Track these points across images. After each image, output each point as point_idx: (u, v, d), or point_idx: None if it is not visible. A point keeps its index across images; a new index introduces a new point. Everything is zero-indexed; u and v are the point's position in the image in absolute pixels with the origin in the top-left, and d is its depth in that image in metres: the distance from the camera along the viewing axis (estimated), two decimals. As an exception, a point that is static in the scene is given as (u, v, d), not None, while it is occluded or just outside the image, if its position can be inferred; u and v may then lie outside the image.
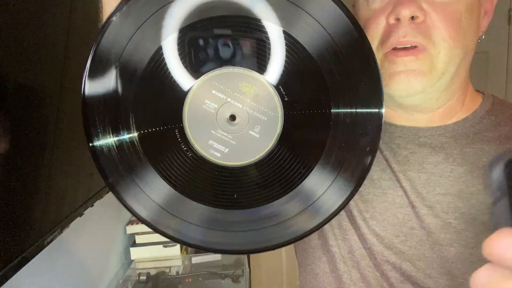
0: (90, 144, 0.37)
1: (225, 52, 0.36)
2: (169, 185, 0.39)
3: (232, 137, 0.38)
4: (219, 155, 0.38)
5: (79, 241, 0.99)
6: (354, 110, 0.37)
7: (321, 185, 0.39)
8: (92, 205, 0.86)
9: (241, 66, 0.36)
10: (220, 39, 0.36)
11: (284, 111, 0.37)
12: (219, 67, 0.36)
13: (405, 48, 0.47)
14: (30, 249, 0.60)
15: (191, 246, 0.40)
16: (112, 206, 1.18)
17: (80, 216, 0.80)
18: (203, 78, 0.36)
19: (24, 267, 0.58)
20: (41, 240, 0.63)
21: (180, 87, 0.37)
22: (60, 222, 0.70)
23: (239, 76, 0.36)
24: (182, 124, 0.37)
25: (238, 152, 0.38)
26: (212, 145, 0.38)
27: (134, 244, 1.33)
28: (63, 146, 0.72)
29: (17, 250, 0.57)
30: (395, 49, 0.48)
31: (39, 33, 0.61)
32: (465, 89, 0.56)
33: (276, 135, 0.37)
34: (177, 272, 1.26)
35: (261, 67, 0.36)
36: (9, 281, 0.54)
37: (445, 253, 0.51)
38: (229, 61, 0.36)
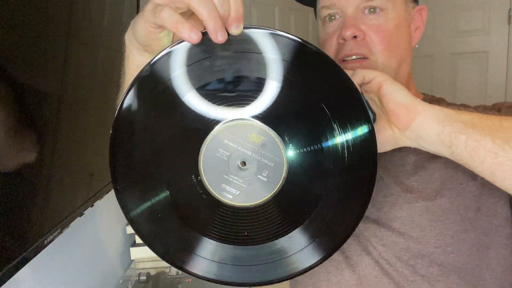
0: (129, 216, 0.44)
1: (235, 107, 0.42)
2: (188, 226, 0.44)
3: (242, 181, 0.42)
4: (231, 197, 0.43)
5: (79, 241, 0.99)
6: (349, 147, 0.42)
7: (325, 219, 0.44)
8: (92, 205, 0.86)
9: (250, 118, 0.41)
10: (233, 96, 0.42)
11: (288, 157, 0.42)
12: (231, 119, 0.42)
13: (352, 60, 0.61)
14: (30, 249, 0.60)
15: (202, 279, 0.45)
16: (112, 206, 1.18)
17: (80, 216, 0.80)
18: (217, 128, 0.42)
19: (24, 267, 0.58)
20: (41, 240, 0.63)
21: (197, 138, 0.42)
22: (60, 222, 0.70)
23: (248, 127, 0.41)
24: (198, 170, 0.42)
25: (248, 194, 0.43)
26: (224, 188, 0.42)
27: (134, 244, 1.33)
28: (63, 146, 0.72)
29: (17, 250, 0.57)
30: (345, 61, 0.61)
31: (39, 33, 0.61)
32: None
33: (282, 178, 0.42)
34: (177, 272, 1.27)
35: (268, 120, 0.41)
36: (9, 281, 0.54)
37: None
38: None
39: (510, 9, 1.90)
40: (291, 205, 0.44)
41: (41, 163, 0.64)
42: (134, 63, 0.46)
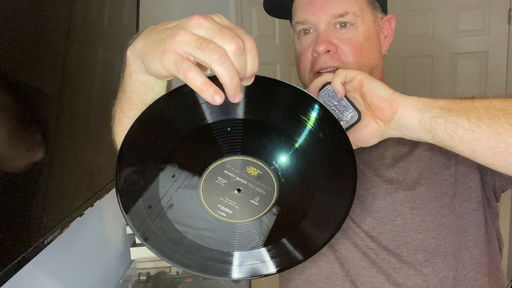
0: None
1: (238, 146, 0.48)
2: (185, 234, 0.50)
3: (236, 203, 0.49)
4: (224, 215, 0.49)
5: (79, 241, 0.99)
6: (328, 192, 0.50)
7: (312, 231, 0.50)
8: (92, 205, 0.86)
9: (250, 155, 0.48)
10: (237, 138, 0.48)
11: (279, 188, 0.49)
12: (233, 155, 0.48)
13: (327, 72, 0.65)
14: (30, 249, 0.60)
15: (198, 274, 0.51)
16: (112, 206, 1.18)
17: (80, 216, 0.80)
18: (218, 161, 0.48)
19: (24, 267, 0.58)
20: (41, 240, 0.63)
21: (199, 168, 0.48)
22: (60, 222, 0.70)
23: (247, 162, 0.48)
24: (198, 191, 0.49)
25: (239, 213, 0.49)
26: (220, 207, 0.49)
27: (134, 244, 1.33)
28: (63, 146, 0.72)
29: (17, 250, 0.57)
30: (320, 72, 0.66)
31: (39, 33, 0.61)
32: None
33: (271, 204, 0.49)
34: (177, 272, 1.27)
35: (266, 158, 0.48)
36: (9, 281, 0.54)
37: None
38: (241, 152, 0.48)
39: (510, 9, 1.91)
40: (274, 225, 0.50)
41: (41, 163, 0.64)
42: (138, 80, 0.47)
